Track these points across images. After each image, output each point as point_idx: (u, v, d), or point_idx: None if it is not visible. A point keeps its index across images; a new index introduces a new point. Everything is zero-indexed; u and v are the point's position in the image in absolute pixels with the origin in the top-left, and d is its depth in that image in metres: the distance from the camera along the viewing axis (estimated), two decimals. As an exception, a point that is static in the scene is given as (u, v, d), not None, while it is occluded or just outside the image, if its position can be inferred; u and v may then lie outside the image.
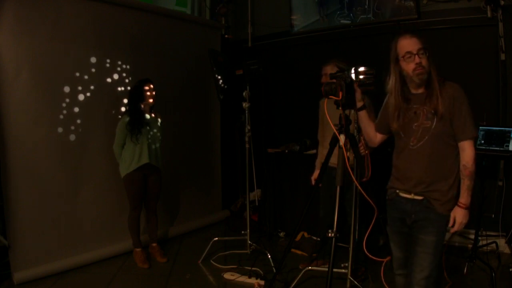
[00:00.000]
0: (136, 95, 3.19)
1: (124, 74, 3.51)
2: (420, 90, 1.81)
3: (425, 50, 1.74)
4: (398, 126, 1.84)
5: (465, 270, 2.98)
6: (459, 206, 1.77)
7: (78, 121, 3.20)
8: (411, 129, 1.82)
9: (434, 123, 1.76)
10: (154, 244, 3.47)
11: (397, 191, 1.90)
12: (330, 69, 2.80)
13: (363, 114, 2.02)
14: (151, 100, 3.22)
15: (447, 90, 1.74)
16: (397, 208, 1.91)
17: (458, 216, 1.76)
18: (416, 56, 1.73)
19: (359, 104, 2.01)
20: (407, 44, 1.76)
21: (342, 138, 2.05)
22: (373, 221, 2.05)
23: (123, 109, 3.46)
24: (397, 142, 1.93)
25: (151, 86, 3.22)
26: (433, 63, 1.76)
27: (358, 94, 1.98)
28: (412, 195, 1.84)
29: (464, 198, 1.76)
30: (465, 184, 1.76)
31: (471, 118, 1.75)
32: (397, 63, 1.81)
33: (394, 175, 1.94)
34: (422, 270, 1.78)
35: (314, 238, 3.57)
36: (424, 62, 1.74)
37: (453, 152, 1.79)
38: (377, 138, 2.04)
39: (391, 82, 1.85)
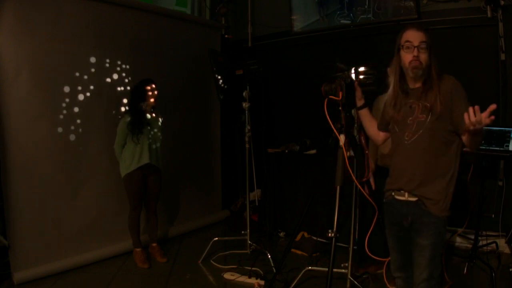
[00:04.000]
0: (138, 95, 3.19)
1: (124, 74, 3.51)
2: (417, 85, 1.78)
3: (428, 45, 1.70)
4: (394, 113, 1.81)
5: (465, 270, 2.98)
6: None
7: (78, 121, 3.20)
8: (406, 123, 1.78)
9: (429, 117, 1.70)
10: (154, 244, 3.47)
11: (393, 193, 1.86)
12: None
13: (364, 113, 2.01)
14: (152, 100, 3.22)
15: (445, 84, 1.69)
16: (393, 211, 1.87)
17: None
18: (416, 48, 1.69)
19: (360, 102, 2.00)
20: (411, 35, 1.72)
21: (342, 138, 2.05)
22: (374, 221, 2.05)
23: (123, 109, 3.46)
24: (392, 138, 1.90)
25: (153, 86, 3.22)
26: (435, 60, 1.72)
27: (359, 93, 1.97)
28: (406, 196, 1.78)
29: None
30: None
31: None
32: (398, 53, 1.78)
33: (390, 175, 1.91)
34: (421, 273, 1.76)
35: (314, 238, 3.57)
36: (423, 57, 1.70)
37: (450, 150, 1.72)
38: (380, 136, 2.03)
39: (392, 73, 1.84)
